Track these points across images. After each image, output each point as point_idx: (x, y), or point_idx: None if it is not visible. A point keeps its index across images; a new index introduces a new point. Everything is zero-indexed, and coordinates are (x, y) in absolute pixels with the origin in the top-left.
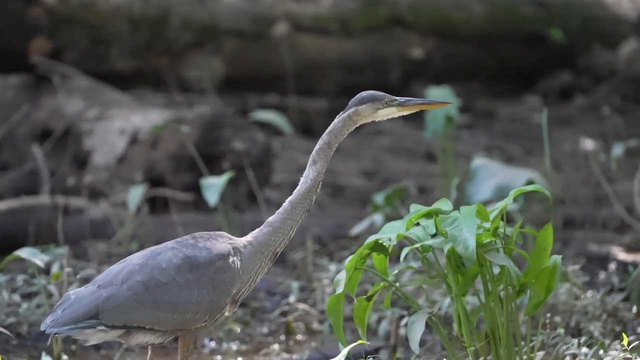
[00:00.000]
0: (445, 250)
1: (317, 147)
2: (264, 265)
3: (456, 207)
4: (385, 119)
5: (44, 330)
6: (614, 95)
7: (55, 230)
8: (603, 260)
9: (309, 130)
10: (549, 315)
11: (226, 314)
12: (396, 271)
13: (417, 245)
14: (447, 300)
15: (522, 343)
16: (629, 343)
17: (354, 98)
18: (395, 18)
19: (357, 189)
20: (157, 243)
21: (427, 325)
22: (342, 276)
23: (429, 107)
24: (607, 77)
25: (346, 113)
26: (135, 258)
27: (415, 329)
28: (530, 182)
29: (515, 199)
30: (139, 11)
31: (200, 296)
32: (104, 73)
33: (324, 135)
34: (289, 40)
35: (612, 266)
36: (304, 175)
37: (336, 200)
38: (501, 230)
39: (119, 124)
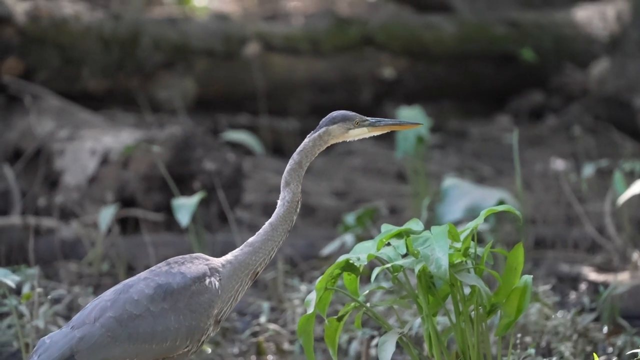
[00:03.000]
0: (416, 270)
1: (288, 167)
2: (244, 285)
3: (427, 227)
4: (356, 139)
5: None
6: (585, 115)
7: (27, 250)
8: (574, 281)
9: (280, 150)
10: (519, 335)
11: (211, 334)
12: (367, 291)
13: (388, 265)
14: (418, 320)
15: None
16: None
17: (325, 118)
18: (366, 38)
19: (329, 209)
20: (129, 263)
21: (397, 346)
22: (313, 296)
23: (400, 128)
24: (578, 97)
25: (317, 133)
26: (108, 294)
27: (386, 349)
28: (501, 202)
29: (486, 219)
30: (110, 31)
31: (178, 323)
32: (75, 93)
33: (295, 155)
34: (260, 60)
35: (583, 286)
36: (280, 197)
37: (307, 220)
38: (472, 250)
39: (90, 144)
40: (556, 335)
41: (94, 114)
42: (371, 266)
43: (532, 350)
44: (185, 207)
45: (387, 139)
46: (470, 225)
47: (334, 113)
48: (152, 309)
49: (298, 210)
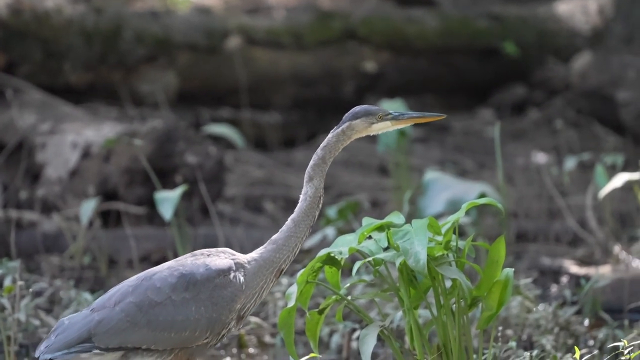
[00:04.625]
0: (397, 263)
1: (311, 162)
2: (269, 282)
3: (409, 220)
4: (379, 132)
5: (38, 357)
6: (567, 109)
7: (8, 243)
8: (555, 274)
9: (262, 143)
10: (501, 328)
11: (233, 330)
12: (348, 284)
13: (370, 258)
14: (399, 313)
15: (474, 356)
16: (581, 356)
17: (348, 113)
18: (348, 32)
19: None
20: (111, 257)
21: (379, 339)
22: (294, 290)
23: (423, 120)
24: (560, 91)
25: (340, 128)
26: (131, 280)
27: (367, 342)
28: (482, 196)
29: (467, 212)
30: (92, 25)
31: (199, 314)
32: (57, 87)
33: (318, 151)
34: (243, 54)
35: (565, 279)
36: (302, 192)
37: (289, 213)
38: (453, 243)
39: (71, 138)
40: (537, 328)
41: (76, 107)
42: (352, 259)
43: (513, 343)
44: (167, 200)
45: None
46: (452, 218)
47: (357, 108)
48: (174, 297)
49: (320, 205)
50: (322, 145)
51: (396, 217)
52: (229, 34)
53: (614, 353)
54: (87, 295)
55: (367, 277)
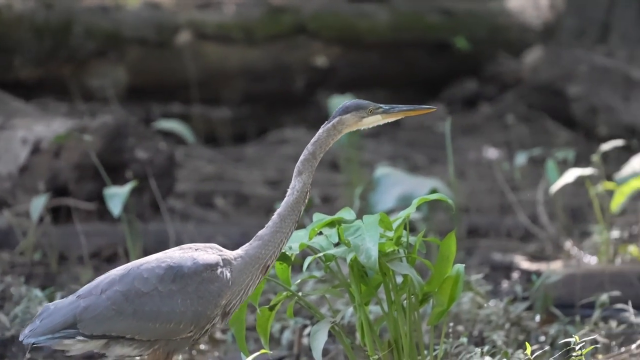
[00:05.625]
0: (348, 259)
1: (302, 157)
2: (256, 278)
3: (360, 216)
4: (370, 126)
5: (22, 340)
6: (518, 104)
7: None
8: (507, 269)
9: (213, 139)
10: (452, 324)
11: (217, 325)
12: (299, 280)
13: (320, 254)
14: (350, 309)
15: (425, 352)
16: (532, 352)
17: (339, 107)
18: (299, 26)
19: (262, 198)
20: (61, 253)
21: (330, 335)
22: None
23: (414, 114)
24: (512, 86)
25: (331, 123)
26: (118, 269)
27: (318, 338)
28: (434, 191)
29: (418, 208)
30: (42, 20)
31: (184, 306)
32: (7, 82)
33: (309, 146)
34: (193, 48)
35: (516, 275)
36: (290, 187)
37: (241, 209)
38: (404, 239)
39: (21, 134)
40: (489, 324)
41: (26, 103)
42: (303, 255)
43: (464, 339)
44: (116, 196)
45: (320, 127)
46: (403, 214)
47: (347, 102)
48: (160, 288)
49: (306, 201)
50: (312, 140)
51: (347, 213)
52: (179, 29)
53: (565, 349)
54: (37, 292)
55: (318, 273)
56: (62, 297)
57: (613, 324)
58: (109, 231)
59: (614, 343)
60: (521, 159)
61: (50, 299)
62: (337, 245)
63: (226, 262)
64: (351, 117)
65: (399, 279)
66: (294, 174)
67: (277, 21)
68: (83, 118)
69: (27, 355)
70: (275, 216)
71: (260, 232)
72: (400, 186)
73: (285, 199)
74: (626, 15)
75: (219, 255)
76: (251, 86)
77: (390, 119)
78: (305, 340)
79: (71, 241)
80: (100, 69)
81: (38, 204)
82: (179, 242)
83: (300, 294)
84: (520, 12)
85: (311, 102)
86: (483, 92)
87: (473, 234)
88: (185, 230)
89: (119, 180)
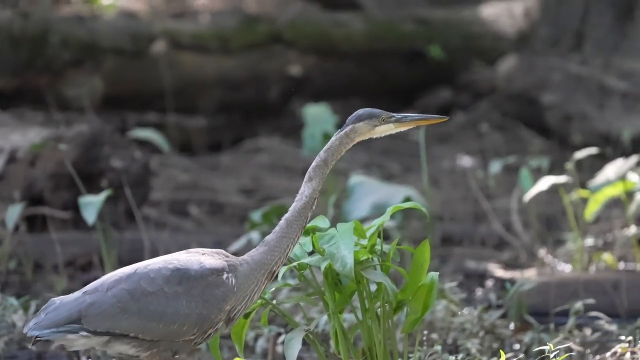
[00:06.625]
0: (323, 267)
1: (313, 164)
2: (261, 284)
3: (333, 224)
4: (382, 135)
5: (26, 333)
6: (493, 112)
7: None
8: (481, 277)
9: (188, 147)
10: (426, 332)
11: (221, 331)
12: (273, 288)
13: (295, 263)
14: (325, 317)
15: None
16: None
17: (352, 116)
18: (274, 35)
19: (236, 206)
20: (36, 261)
21: (304, 343)
22: None
23: (425, 123)
24: (486, 94)
25: (343, 131)
26: (125, 268)
27: (293, 346)
28: (407, 199)
29: (392, 216)
30: (19, 30)
31: (189, 309)
32: None
33: (321, 153)
34: (169, 58)
35: (490, 283)
36: (299, 192)
37: (215, 217)
38: (378, 247)
39: None
40: (463, 332)
41: (2, 112)
42: None
43: (438, 347)
44: (91, 205)
45: (294, 136)
46: (377, 222)
47: (360, 111)
48: (166, 289)
49: (314, 207)
50: (325, 147)
51: (321, 221)
52: (155, 39)
53: (539, 357)
54: (12, 300)
55: (292, 281)
56: (37, 306)
57: (587, 331)
58: (84, 240)
59: (588, 351)
60: (495, 167)
61: (25, 307)
62: (311, 253)
63: (232, 268)
64: (364, 125)
65: (373, 287)
66: (305, 180)
67: (252, 30)
68: (59, 127)
69: (32, 348)
70: (282, 221)
71: (266, 238)
72: (374, 194)
73: (294, 204)
74: (600, 24)
75: (226, 260)
76: (226, 95)
77: (403, 128)
78: (279, 348)
79: (46, 250)
80: (76, 79)
81: (13, 213)
82: (153, 251)
83: (274, 302)
84: (494, 20)
85: (286, 111)
86: (457, 101)
87: (447, 242)
88: (160, 238)
89: (94, 189)
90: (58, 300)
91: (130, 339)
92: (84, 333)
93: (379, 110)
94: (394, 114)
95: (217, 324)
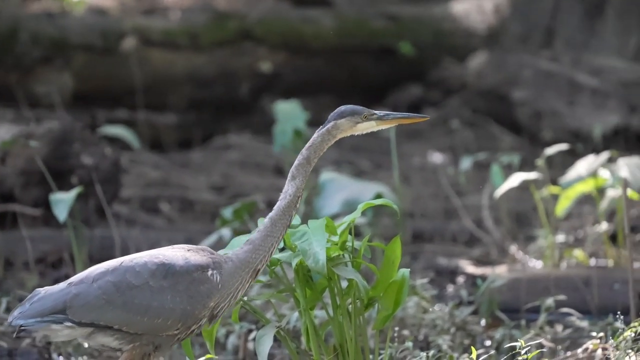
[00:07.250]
0: (294, 264)
1: (296, 162)
2: (245, 283)
3: (304, 221)
4: (364, 132)
5: (10, 322)
6: (463, 109)
7: None
8: (452, 274)
9: (158, 144)
10: (397, 328)
11: (207, 328)
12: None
13: None
14: (296, 314)
15: (371, 356)
16: (478, 356)
17: (334, 112)
18: (244, 32)
19: (207, 203)
20: (7, 258)
21: (275, 339)
22: None
23: (407, 121)
24: (457, 91)
25: (325, 127)
26: (111, 261)
27: (264, 342)
28: (378, 196)
29: (363, 213)
30: None
31: (174, 303)
32: None
33: (303, 151)
34: (138, 54)
35: (461, 279)
36: (283, 191)
37: (186, 214)
38: (349, 244)
39: None
40: (434, 328)
41: None
42: None
43: (410, 344)
44: (62, 202)
45: (265, 132)
46: (348, 218)
47: (342, 107)
48: (152, 283)
49: (298, 206)
50: (307, 145)
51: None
52: (125, 35)
53: (510, 353)
54: None
55: (263, 278)
56: (8, 303)
57: (559, 328)
58: (54, 237)
59: (559, 347)
60: (466, 163)
61: None
62: (282, 250)
63: (217, 265)
64: (346, 122)
65: (344, 284)
66: (288, 178)
67: (222, 27)
68: (29, 124)
69: (16, 337)
70: (266, 220)
71: (251, 237)
72: (345, 191)
73: (278, 203)
74: (570, 20)
75: (211, 258)
76: (196, 92)
77: (385, 125)
78: (250, 345)
79: (17, 247)
80: (46, 76)
81: None
82: (124, 248)
83: (245, 298)
84: (464, 17)
85: (256, 108)
86: (428, 97)
87: (418, 238)
88: (131, 236)
89: (65, 186)
90: (43, 290)
91: (114, 331)
92: (69, 324)
93: (361, 108)
94: (375, 112)
95: (201, 320)
